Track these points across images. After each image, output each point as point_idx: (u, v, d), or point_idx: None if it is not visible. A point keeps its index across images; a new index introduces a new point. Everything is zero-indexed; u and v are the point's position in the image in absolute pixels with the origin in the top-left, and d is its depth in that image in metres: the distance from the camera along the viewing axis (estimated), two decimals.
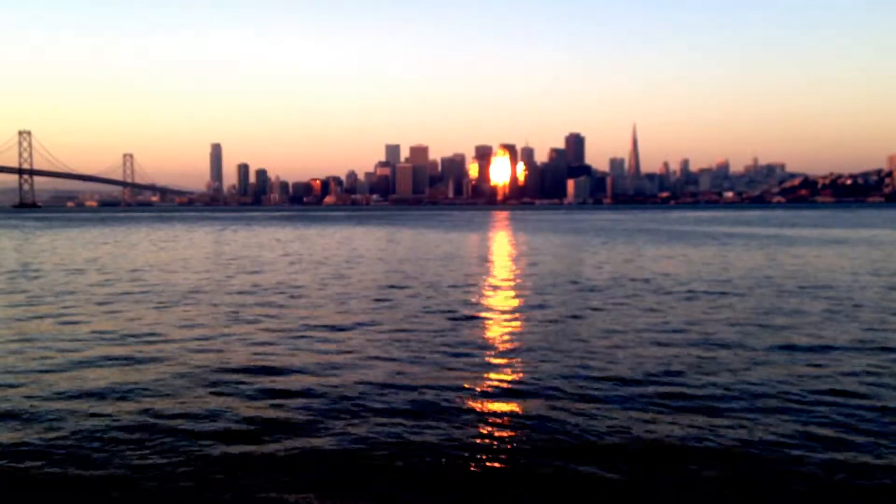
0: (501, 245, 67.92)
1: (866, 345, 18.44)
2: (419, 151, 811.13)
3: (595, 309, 25.08)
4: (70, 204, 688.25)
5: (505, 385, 14.89)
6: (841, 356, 17.14)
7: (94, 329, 21.45)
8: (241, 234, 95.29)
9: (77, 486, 9.91)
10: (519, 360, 17.19)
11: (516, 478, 10.16)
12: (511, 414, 12.98)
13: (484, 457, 10.87)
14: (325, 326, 21.82)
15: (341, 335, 20.39)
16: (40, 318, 23.75)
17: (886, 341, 18.89)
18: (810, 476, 10.06)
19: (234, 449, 11.17)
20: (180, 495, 9.58)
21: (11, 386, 14.82)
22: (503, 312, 24.71)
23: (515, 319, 23.21)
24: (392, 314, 24.21)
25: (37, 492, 9.81)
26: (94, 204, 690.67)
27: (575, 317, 23.41)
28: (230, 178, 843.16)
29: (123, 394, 14.23)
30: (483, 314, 24.27)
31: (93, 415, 12.87)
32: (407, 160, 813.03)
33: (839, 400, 13.50)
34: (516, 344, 19.08)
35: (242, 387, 14.77)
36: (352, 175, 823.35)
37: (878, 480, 9.88)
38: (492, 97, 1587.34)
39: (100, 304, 27.02)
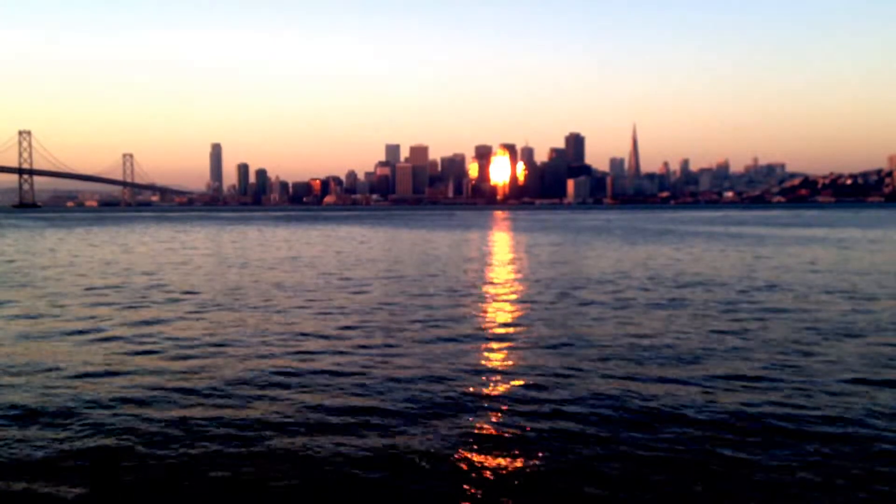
0: (501, 244, 68.18)
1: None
2: (419, 151, 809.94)
3: (594, 318, 25.25)
4: (70, 204, 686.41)
5: (506, 385, 15.05)
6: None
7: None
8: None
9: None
10: (519, 357, 17.35)
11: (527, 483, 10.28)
12: (513, 416, 13.12)
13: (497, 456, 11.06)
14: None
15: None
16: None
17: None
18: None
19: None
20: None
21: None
22: (506, 308, 24.88)
23: (515, 320, 23.39)
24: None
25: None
26: (94, 204, 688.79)
27: (580, 313, 23.61)
28: (230, 178, 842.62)
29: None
30: (488, 314, 24.47)
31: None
32: (407, 160, 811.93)
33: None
34: (518, 343, 19.36)
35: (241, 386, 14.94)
36: (352, 175, 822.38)
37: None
38: (492, 97, 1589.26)
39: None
